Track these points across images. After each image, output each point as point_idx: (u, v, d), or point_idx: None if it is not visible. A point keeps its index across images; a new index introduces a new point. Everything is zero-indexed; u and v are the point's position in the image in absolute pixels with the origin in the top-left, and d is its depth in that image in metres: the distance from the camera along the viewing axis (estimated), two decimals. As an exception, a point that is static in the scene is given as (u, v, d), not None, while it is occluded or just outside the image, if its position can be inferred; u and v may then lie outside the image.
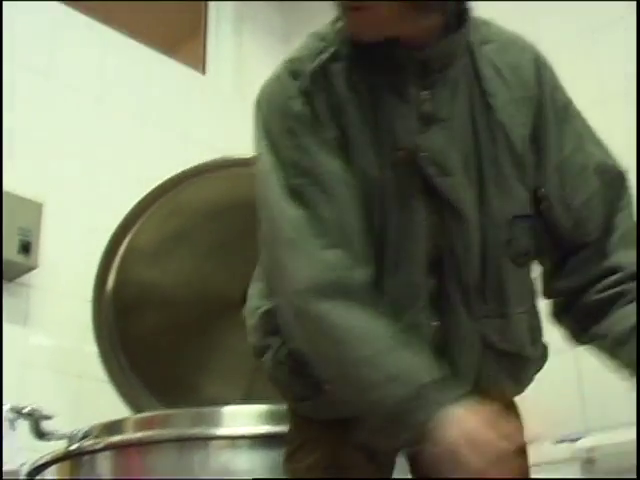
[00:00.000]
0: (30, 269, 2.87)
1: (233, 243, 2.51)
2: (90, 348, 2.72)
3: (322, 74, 1.40)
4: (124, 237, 2.46)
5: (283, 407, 1.52)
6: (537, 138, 1.46)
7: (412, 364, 1.24)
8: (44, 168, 3.06)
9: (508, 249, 1.41)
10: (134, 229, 2.47)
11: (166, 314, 2.61)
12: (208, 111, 3.77)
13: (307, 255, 1.31)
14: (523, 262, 1.44)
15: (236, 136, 3.78)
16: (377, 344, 1.26)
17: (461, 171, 1.38)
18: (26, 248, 2.78)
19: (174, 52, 3.92)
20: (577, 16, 3.19)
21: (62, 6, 3.45)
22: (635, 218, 1.50)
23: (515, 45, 1.51)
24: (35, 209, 2.88)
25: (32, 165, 3.04)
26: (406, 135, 1.37)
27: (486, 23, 1.52)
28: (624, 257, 1.45)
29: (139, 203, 2.46)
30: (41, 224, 2.88)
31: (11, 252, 2.77)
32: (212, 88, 3.96)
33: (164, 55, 3.78)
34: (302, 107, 1.38)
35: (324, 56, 1.42)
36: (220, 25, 4.13)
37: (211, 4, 4.17)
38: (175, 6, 4.22)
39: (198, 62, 4.02)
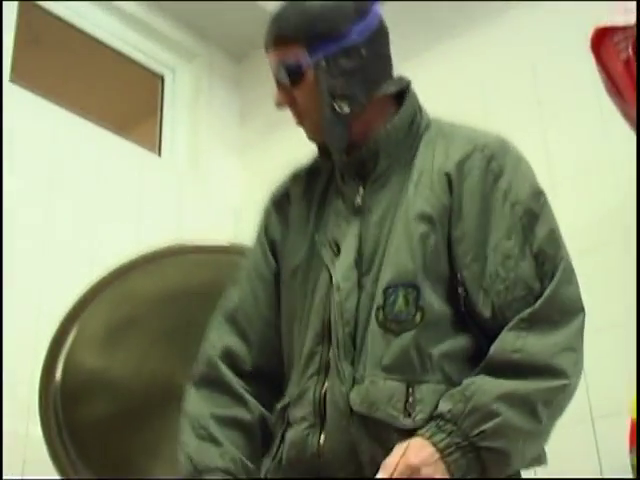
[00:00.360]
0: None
1: (183, 330, 2.48)
2: (35, 432, 2.65)
3: (284, 193, 1.77)
4: (73, 324, 2.42)
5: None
6: (454, 221, 1.53)
7: (200, 453, 1.56)
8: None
9: (377, 315, 1.49)
10: (83, 315, 2.43)
11: (115, 401, 2.55)
12: (163, 193, 3.75)
13: (205, 345, 1.71)
14: (397, 329, 1.47)
15: (190, 219, 3.81)
16: (190, 432, 1.59)
17: (353, 253, 1.56)
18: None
19: (129, 132, 3.92)
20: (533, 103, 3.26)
21: (13, 86, 3.43)
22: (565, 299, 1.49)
23: (463, 139, 1.61)
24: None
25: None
26: (333, 228, 1.62)
27: (455, 124, 1.67)
28: (500, 343, 1.45)
29: (89, 290, 2.43)
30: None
31: (-44, 336, 2.67)
32: (167, 170, 3.95)
33: (118, 135, 3.77)
34: (263, 221, 1.79)
35: (293, 175, 1.79)
36: (176, 106, 4.15)
37: (167, 84, 4.19)
38: (130, 86, 4.25)
39: (153, 143, 4.02)
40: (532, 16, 3.35)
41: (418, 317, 1.47)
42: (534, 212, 1.53)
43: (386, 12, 1.67)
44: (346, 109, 1.58)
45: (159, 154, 4.00)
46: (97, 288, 2.44)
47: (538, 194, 1.56)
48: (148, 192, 3.68)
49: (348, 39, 1.57)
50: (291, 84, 1.60)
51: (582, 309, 1.50)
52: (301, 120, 1.65)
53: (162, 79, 4.19)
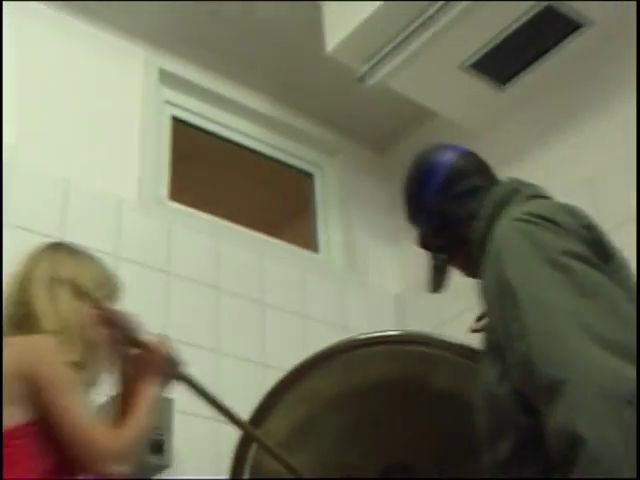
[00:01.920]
0: (164, 468, 2.82)
1: (365, 426, 2.46)
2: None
3: None
4: (257, 428, 2.43)
5: None
6: None
7: None
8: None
9: None
10: (266, 421, 2.44)
11: (302, 503, 2.53)
12: (324, 289, 3.80)
13: None
14: None
15: (353, 312, 3.83)
16: None
17: None
18: (159, 447, 2.75)
19: (283, 233, 4.00)
20: None
21: (176, 204, 3.58)
22: None
23: None
24: (167, 406, 2.83)
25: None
26: None
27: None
28: None
29: (269, 395, 2.43)
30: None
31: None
32: (326, 266, 4.01)
33: (275, 238, 3.86)
34: None
35: None
36: (327, 202, 4.22)
37: (317, 181, 4.27)
38: (280, 187, 4.35)
39: (309, 241, 4.09)
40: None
41: None
42: None
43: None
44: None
45: (316, 251, 4.06)
46: (277, 392, 2.44)
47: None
48: (310, 290, 3.73)
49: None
50: None
51: None
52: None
53: (311, 177, 4.28)
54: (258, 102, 4.07)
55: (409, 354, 2.41)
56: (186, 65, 3.88)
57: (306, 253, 3.97)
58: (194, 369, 3.13)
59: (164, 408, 2.81)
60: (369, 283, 3.97)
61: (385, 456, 2.48)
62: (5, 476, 1.68)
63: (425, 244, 2.03)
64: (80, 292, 2.01)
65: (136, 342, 2.02)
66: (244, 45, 3.88)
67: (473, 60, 3.50)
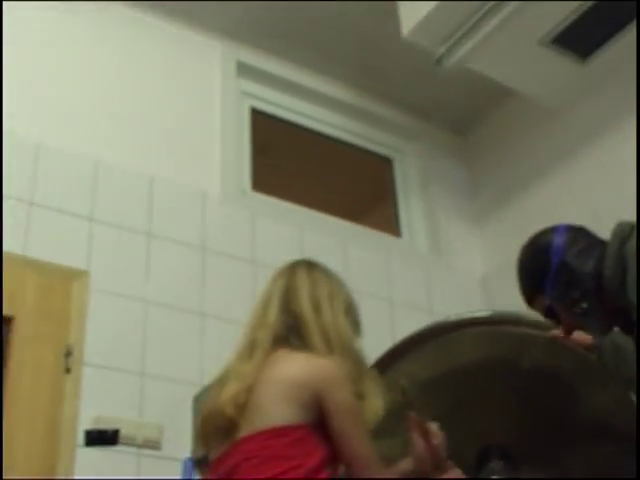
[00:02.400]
0: None
1: (457, 408, 2.44)
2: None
3: None
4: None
5: None
6: None
7: None
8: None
9: None
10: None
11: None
12: (409, 273, 3.79)
13: None
14: None
15: (438, 295, 3.81)
16: None
17: None
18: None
19: (365, 218, 4.00)
20: None
21: (259, 195, 3.62)
22: None
23: None
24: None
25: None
26: None
27: None
28: None
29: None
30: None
31: None
32: (410, 250, 4.00)
33: (358, 224, 3.87)
34: None
35: None
36: (407, 186, 4.20)
37: (396, 166, 4.26)
38: (360, 173, 4.35)
39: (391, 225, 4.08)
40: None
41: None
42: None
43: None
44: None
45: (399, 236, 4.05)
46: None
47: None
48: (395, 274, 3.72)
49: None
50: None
51: None
52: None
53: (390, 162, 4.26)
54: (335, 89, 4.07)
55: (500, 335, 2.40)
56: (263, 56, 3.89)
57: (389, 238, 3.96)
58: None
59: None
60: (453, 265, 3.94)
61: (480, 439, 2.47)
62: (289, 462, 1.87)
63: (557, 306, 2.11)
64: (338, 312, 2.11)
65: (441, 464, 2.12)
66: (319, 33, 3.88)
67: (553, 35, 3.42)
